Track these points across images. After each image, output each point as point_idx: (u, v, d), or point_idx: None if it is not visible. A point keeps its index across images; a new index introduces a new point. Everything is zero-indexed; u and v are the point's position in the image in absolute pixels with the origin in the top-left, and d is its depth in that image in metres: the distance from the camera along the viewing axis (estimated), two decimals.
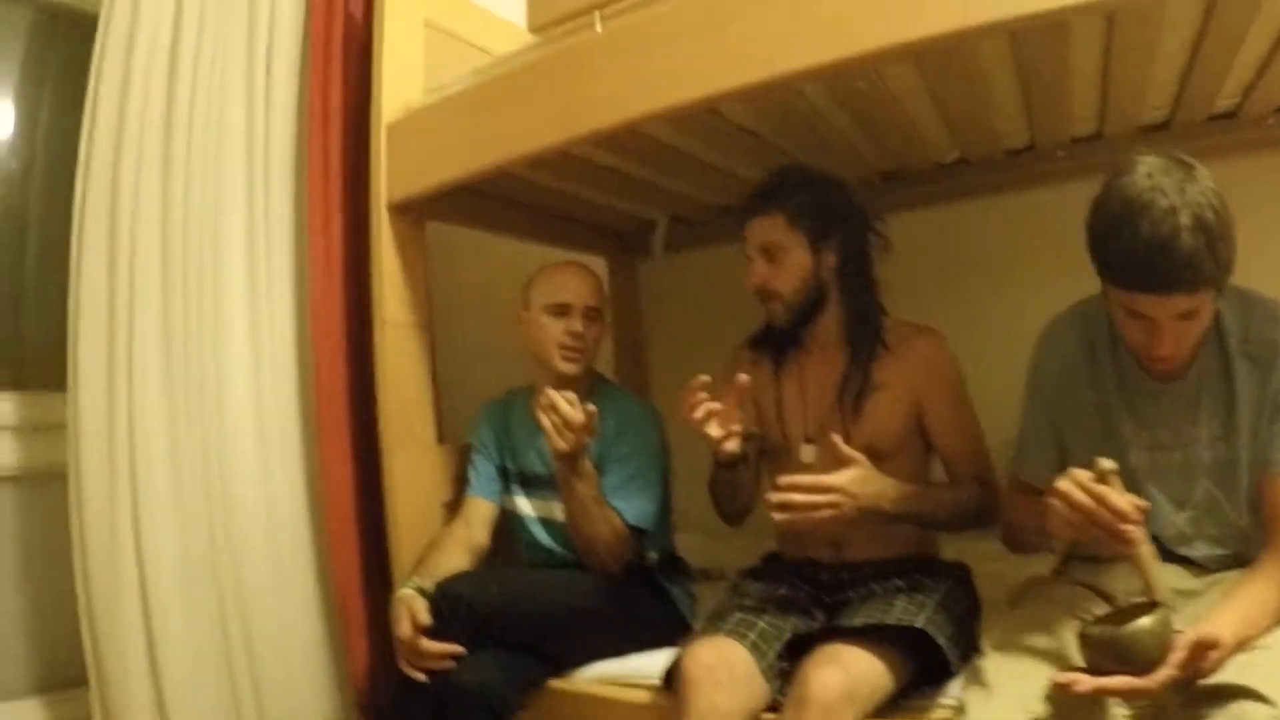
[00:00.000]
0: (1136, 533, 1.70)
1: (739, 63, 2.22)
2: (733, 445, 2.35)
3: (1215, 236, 1.71)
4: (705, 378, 2.30)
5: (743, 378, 2.33)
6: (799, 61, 2.14)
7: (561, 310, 2.84)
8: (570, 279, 2.89)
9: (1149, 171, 1.76)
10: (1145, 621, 1.66)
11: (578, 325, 2.83)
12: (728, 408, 2.33)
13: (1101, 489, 1.72)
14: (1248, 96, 2.80)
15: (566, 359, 2.83)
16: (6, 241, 3.56)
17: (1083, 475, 1.76)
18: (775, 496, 2.21)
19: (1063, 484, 1.77)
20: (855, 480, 2.22)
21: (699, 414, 2.29)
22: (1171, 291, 1.74)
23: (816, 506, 2.19)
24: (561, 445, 2.49)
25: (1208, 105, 2.89)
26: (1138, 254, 1.73)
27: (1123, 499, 1.71)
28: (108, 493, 2.75)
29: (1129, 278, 1.78)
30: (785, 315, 2.55)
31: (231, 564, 2.87)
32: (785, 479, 2.22)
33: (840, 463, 2.24)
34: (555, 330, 2.83)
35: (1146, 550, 1.74)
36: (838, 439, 2.27)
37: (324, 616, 3.02)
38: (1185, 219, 1.69)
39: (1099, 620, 1.82)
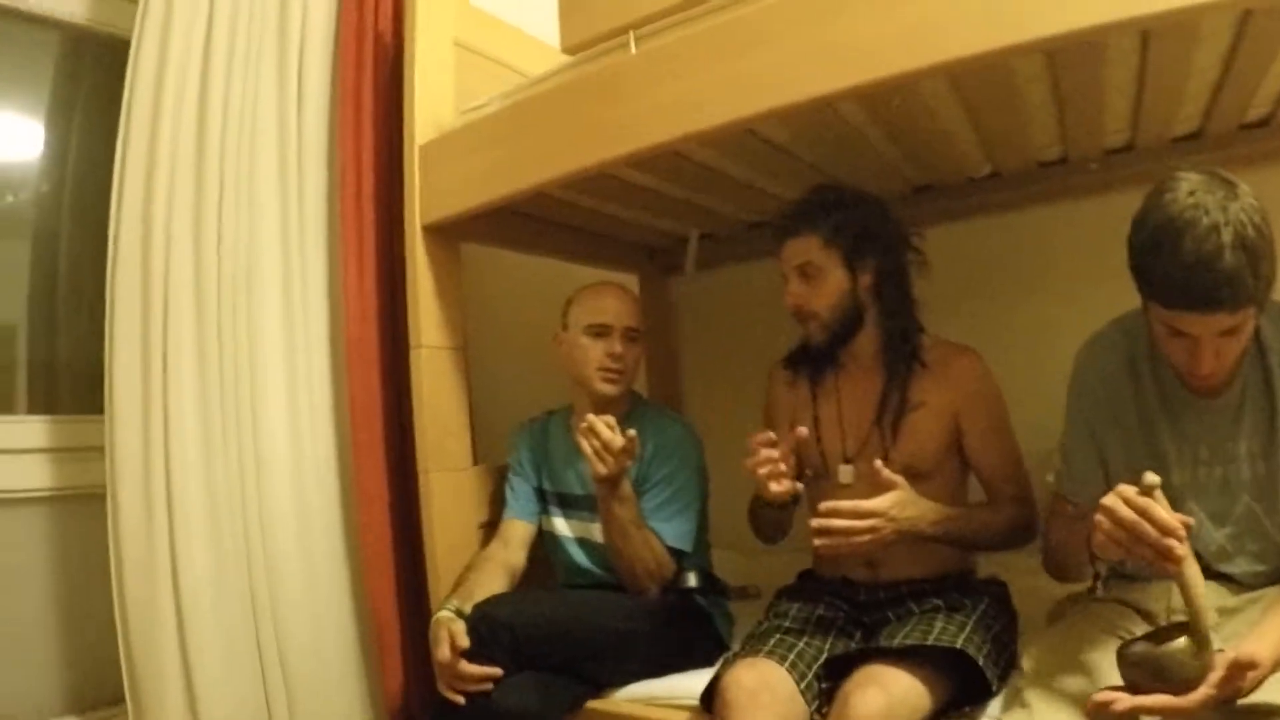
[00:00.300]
0: (1182, 549, 1.69)
1: (774, 83, 2.21)
2: (783, 488, 2.34)
3: (1258, 255, 1.70)
4: (771, 435, 2.31)
5: (802, 430, 2.33)
6: (835, 82, 2.13)
7: (601, 331, 2.84)
8: (610, 300, 2.89)
9: (1191, 189, 1.75)
10: (1184, 641, 1.65)
11: (617, 347, 2.83)
12: (783, 454, 2.33)
13: (1147, 503, 1.71)
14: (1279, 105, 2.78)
15: (607, 380, 2.84)
16: (39, 264, 3.56)
17: (1129, 490, 1.75)
18: (816, 523, 2.22)
19: (1108, 499, 1.76)
20: (895, 504, 2.22)
21: (763, 471, 2.30)
22: (1214, 310, 1.73)
23: (857, 532, 2.19)
24: (602, 470, 2.50)
25: (1240, 114, 2.86)
26: (1180, 273, 1.72)
27: (1169, 514, 1.69)
28: (144, 515, 2.77)
29: (1171, 296, 1.77)
30: (822, 335, 2.55)
31: (267, 585, 2.88)
32: (826, 505, 2.23)
33: (879, 487, 2.24)
34: (595, 352, 2.83)
35: (1192, 570, 1.73)
36: (879, 463, 2.26)
37: (359, 638, 3.02)
38: (1228, 237, 1.68)
39: (1138, 639, 1.81)
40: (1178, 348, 1.88)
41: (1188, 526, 1.70)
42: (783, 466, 2.30)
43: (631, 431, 2.48)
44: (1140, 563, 1.77)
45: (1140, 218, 1.84)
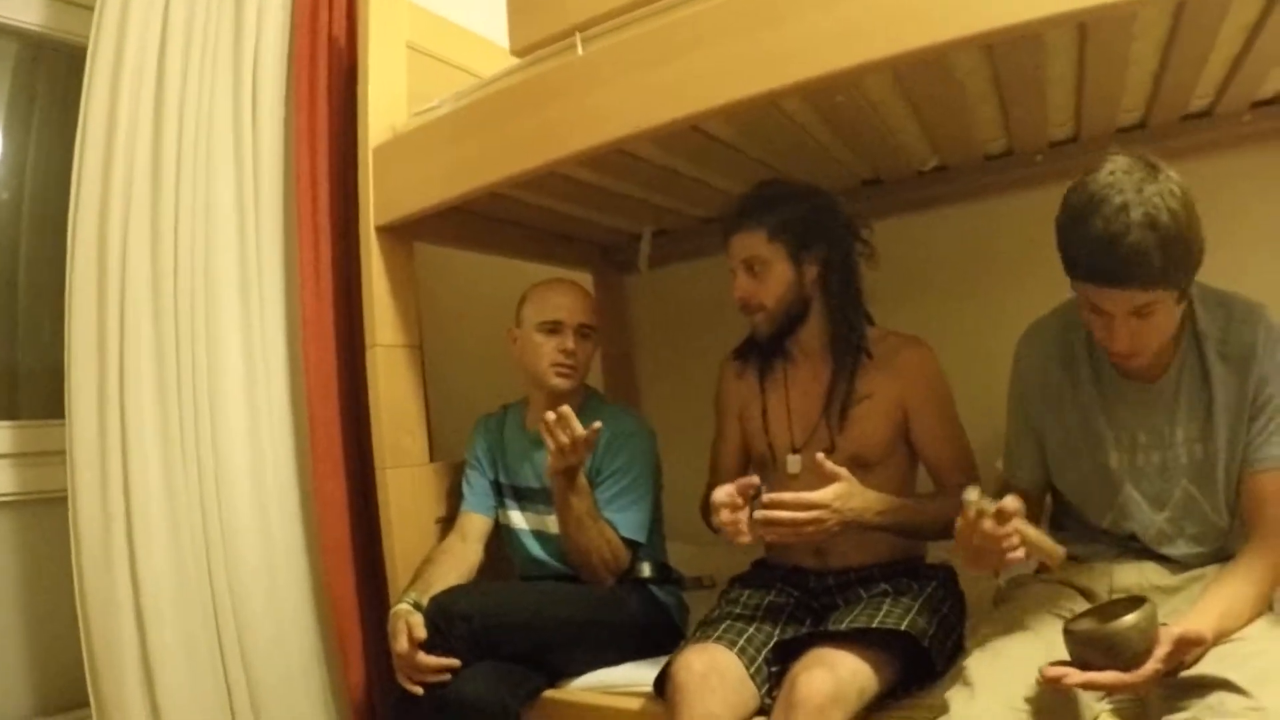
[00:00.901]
0: (1011, 546, 1.85)
1: (718, 82, 2.25)
2: (748, 540, 2.32)
3: (1169, 236, 1.75)
4: (734, 496, 2.27)
5: (754, 480, 2.32)
6: (777, 80, 2.17)
7: (554, 328, 2.87)
8: (562, 297, 2.92)
9: (1112, 170, 1.82)
10: (1132, 618, 1.68)
11: (570, 343, 2.86)
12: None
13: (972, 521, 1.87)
14: (1221, 94, 2.82)
15: (560, 375, 2.87)
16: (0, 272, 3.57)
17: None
18: (760, 514, 2.24)
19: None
20: (839, 496, 2.25)
21: (729, 531, 2.28)
22: (1120, 285, 1.79)
23: (801, 523, 2.22)
24: (562, 464, 2.53)
25: (1182, 105, 2.92)
26: (1089, 247, 1.79)
27: (992, 528, 1.86)
28: (102, 517, 2.77)
29: (1083, 270, 1.84)
30: (768, 327, 2.58)
31: (227, 585, 2.88)
32: (769, 496, 2.25)
33: (825, 478, 2.27)
34: (548, 348, 2.86)
35: (1030, 532, 1.87)
36: (821, 456, 2.30)
37: (320, 634, 3.04)
38: (1136, 215, 1.74)
39: (1083, 615, 1.85)
40: (1098, 324, 1.94)
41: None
42: (744, 525, 2.29)
43: (597, 424, 2.52)
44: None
45: (1065, 196, 1.90)
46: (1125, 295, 1.80)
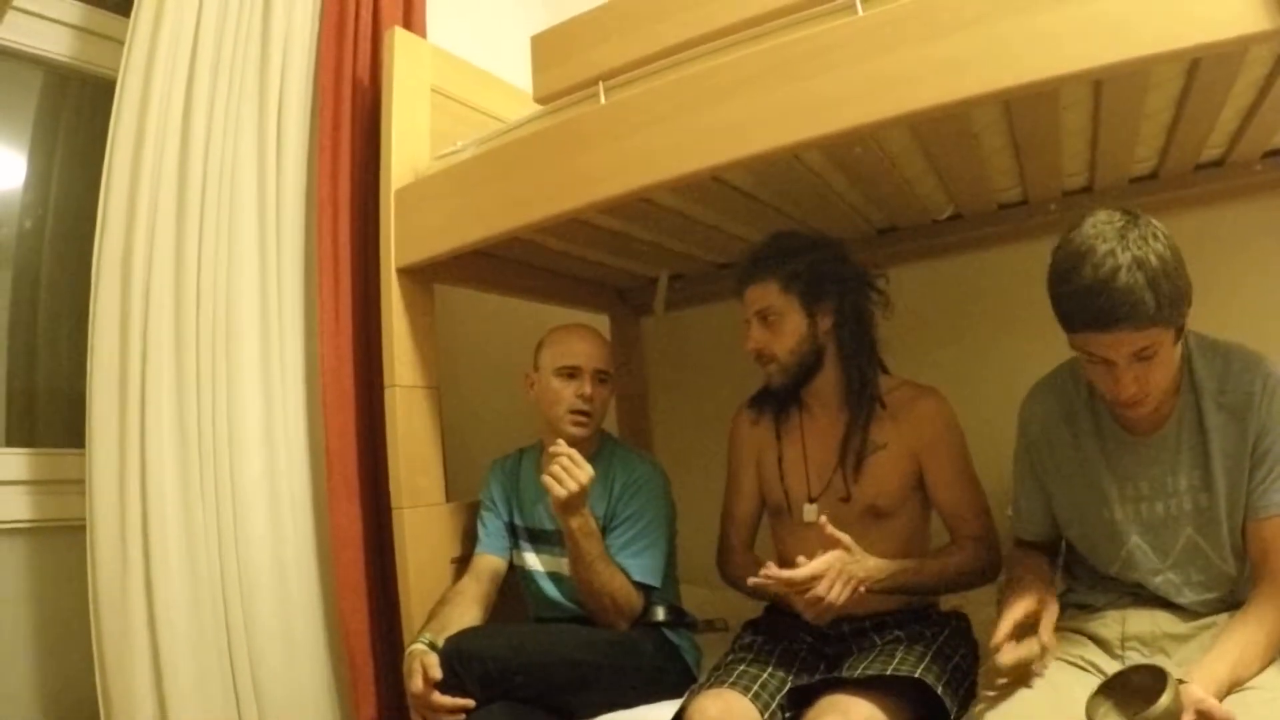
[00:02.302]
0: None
1: (738, 134, 2.27)
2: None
3: (1156, 274, 1.80)
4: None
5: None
6: (797, 133, 2.20)
7: (572, 373, 2.88)
8: (580, 343, 2.94)
9: (1095, 223, 1.88)
10: (1164, 702, 1.67)
11: (587, 388, 2.87)
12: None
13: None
14: (1234, 145, 2.83)
15: (576, 424, 2.87)
16: (20, 299, 3.58)
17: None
18: (751, 581, 2.28)
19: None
20: (839, 561, 2.26)
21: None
22: (1112, 327, 1.82)
23: (822, 597, 2.22)
24: (561, 493, 2.55)
25: (1195, 155, 2.93)
26: (1081, 296, 1.83)
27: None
28: (120, 548, 2.78)
29: (1077, 319, 1.88)
30: (782, 377, 2.61)
31: (241, 617, 2.89)
32: (766, 570, 2.26)
33: (827, 542, 2.28)
34: (565, 393, 2.87)
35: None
36: (824, 519, 2.31)
37: (332, 669, 3.04)
38: (1124, 259, 1.79)
39: (1100, 693, 1.84)
40: (1101, 376, 1.97)
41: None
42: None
43: (590, 471, 2.57)
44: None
45: (1052, 255, 1.95)
46: (1124, 338, 1.84)
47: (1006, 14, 1.93)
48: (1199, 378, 2.05)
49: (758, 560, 2.58)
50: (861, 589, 2.28)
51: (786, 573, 2.22)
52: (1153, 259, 1.80)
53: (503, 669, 2.47)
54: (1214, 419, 2.03)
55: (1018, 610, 2.00)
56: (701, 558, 2.97)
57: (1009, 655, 1.94)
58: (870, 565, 2.32)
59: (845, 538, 2.28)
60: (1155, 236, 1.84)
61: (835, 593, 2.21)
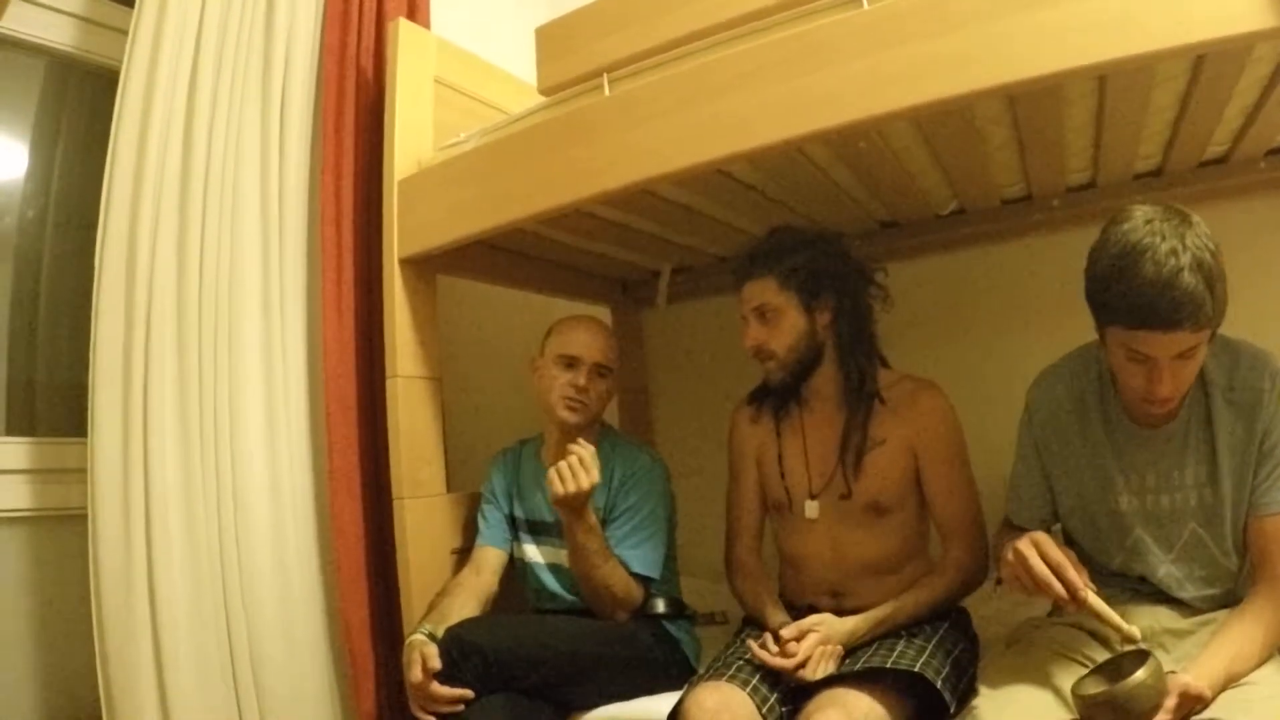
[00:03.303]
0: (1083, 595, 1.84)
1: (742, 127, 2.27)
2: None
3: (1213, 277, 1.79)
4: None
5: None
6: (801, 126, 2.20)
7: (571, 363, 2.89)
8: (583, 334, 2.95)
9: (1148, 218, 1.84)
10: (1139, 675, 1.70)
11: (582, 380, 2.88)
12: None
13: (1059, 559, 1.83)
14: (1238, 142, 2.84)
15: (568, 408, 2.88)
16: (21, 289, 3.58)
17: (1046, 544, 1.87)
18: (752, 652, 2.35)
19: (1023, 546, 1.90)
20: (818, 642, 2.32)
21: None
22: (1176, 329, 1.80)
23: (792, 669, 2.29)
24: (559, 490, 2.56)
25: (1199, 152, 2.93)
26: (1143, 293, 1.79)
27: (1075, 575, 1.84)
28: (123, 534, 2.79)
29: (1134, 317, 1.83)
30: (780, 374, 2.61)
31: (242, 606, 2.90)
32: (754, 651, 2.35)
33: (842, 522, 2.31)
34: (561, 381, 2.88)
35: (1095, 601, 1.83)
36: (787, 633, 2.36)
37: (332, 659, 3.04)
38: (1186, 259, 1.76)
39: (1091, 674, 1.87)
40: (1136, 372, 1.94)
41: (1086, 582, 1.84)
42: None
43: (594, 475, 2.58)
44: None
45: (1098, 247, 1.92)
46: (1175, 339, 1.82)
47: (1011, 9, 1.93)
48: (1209, 374, 2.05)
49: (766, 578, 2.72)
50: (843, 651, 2.36)
51: (776, 661, 2.30)
52: (1208, 258, 1.79)
53: (502, 660, 2.47)
54: (1222, 415, 2.04)
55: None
56: (702, 550, 2.98)
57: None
58: (848, 627, 2.39)
59: (809, 620, 2.39)
60: (1207, 235, 1.83)
61: (821, 670, 2.28)
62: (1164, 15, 1.79)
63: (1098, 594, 1.88)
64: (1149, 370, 1.91)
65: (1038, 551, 1.90)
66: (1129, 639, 1.84)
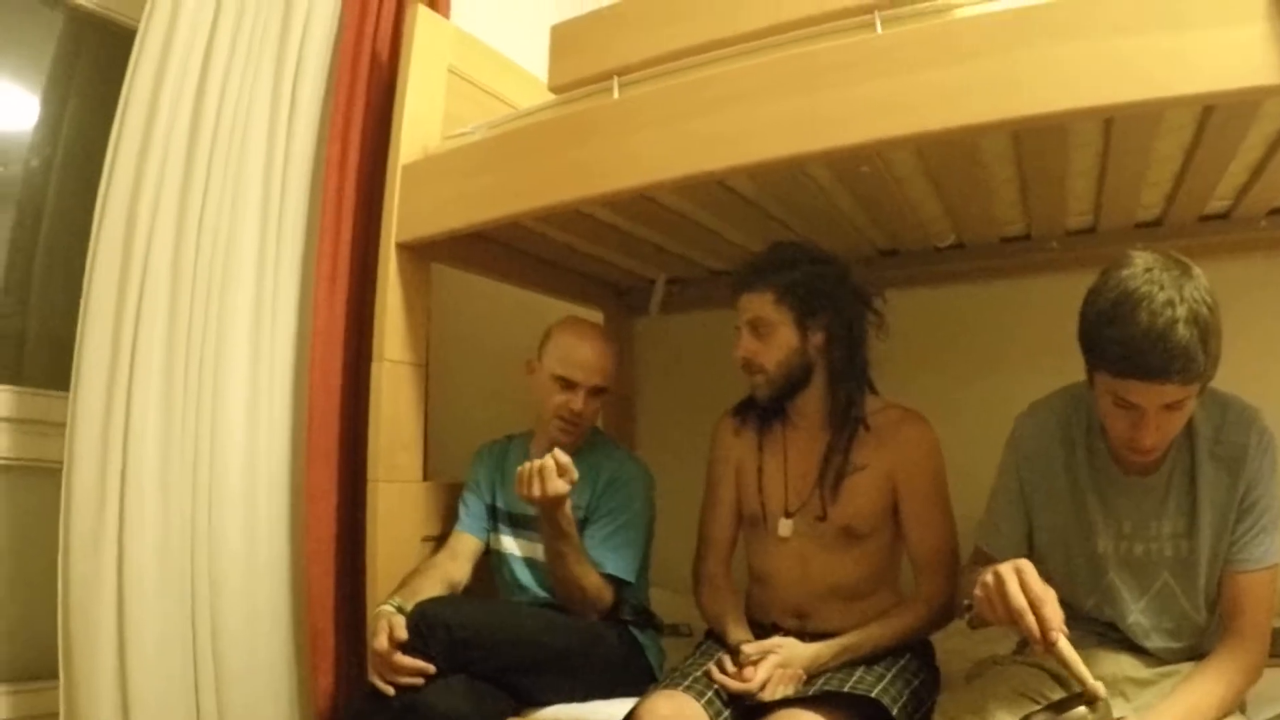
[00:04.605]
0: (1055, 635, 1.76)
1: (749, 140, 2.28)
2: None
3: (1208, 332, 1.78)
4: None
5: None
6: (804, 145, 2.21)
7: (568, 384, 2.87)
8: (585, 353, 2.90)
9: (1148, 266, 1.83)
10: (1082, 710, 1.70)
11: (579, 404, 2.86)
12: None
13: (1040, 594, 1.78)
14: (1240, 199, 2.86)
15: (561, 430, 2.88)
16: (19, 237, 3.59)
17: (1029, 571, 1.82)
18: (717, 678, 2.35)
19: (1005, 573, 1.82)
20: (777, 664, 2.33)
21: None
22: (1165, 381, 1.79)
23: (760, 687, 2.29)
24: (522, 491, 2.57)
25: (1201, 206, 2.95)
26: (1135, 342, 1.78)
27: (1054, 611, 1.77)
28: (97, 493, 2.78)
29: (1124, 366, 1.82)
30: (768, 389, 2.60)
31: (208, 573, 2.89)
32: (713, 674, 2.37)
33: (816, 543, 2.29)
34: (557, 400, 2.87)
35: (1065, 646, 1.79)
36: (746, 652, 2.37)
37: (293, 633, 3.04)
38: (1182, 312, 1.75)
39: (1044, 710, 1.86)
40: (1122, 420, 1.94)
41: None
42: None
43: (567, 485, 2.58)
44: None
45: (1096, 290, 1.91)
46: (1163, 390, 1.81)
47: (1021, 44, 1.95)
48: (1196, 427, 2.04)
49: (733, 593, 2.71)
50: (804, 676, 2.36)
51: (736, 685, 2.30)
52: (1205, 312, 1.78)
53: (468, 640, 2.47)
54: (1206, 469, 2.03)
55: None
56: (674, 562, 2.98)
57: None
58: (811, 653, 2.38)
59: (769, 642, 2.40)
60: (1207, 289, 1.82)
61: (781, 692, 2.28)
62: (1173, 63, 1.80)
63: (1069, 639, 1.82)
64: (1135, 419, 1.90)
65: (1019, 580, 1.80)
66: (1092, 695, 1.82)
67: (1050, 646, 1.76)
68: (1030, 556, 2.24)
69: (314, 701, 2.94)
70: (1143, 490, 2.10)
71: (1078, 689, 1.93)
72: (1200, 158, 2.46)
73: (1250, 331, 2.88)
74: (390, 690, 2.43)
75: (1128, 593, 2.13)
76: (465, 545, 2.99)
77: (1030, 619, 1.76)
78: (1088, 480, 2.17)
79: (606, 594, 2.76)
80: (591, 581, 2.72)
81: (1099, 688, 1.79)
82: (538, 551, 2.88)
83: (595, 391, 2.92)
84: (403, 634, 2.44)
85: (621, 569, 2.78)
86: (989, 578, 1.84)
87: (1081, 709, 1.70)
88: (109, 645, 2.75)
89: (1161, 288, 1.78)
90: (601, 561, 2.76)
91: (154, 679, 2.77)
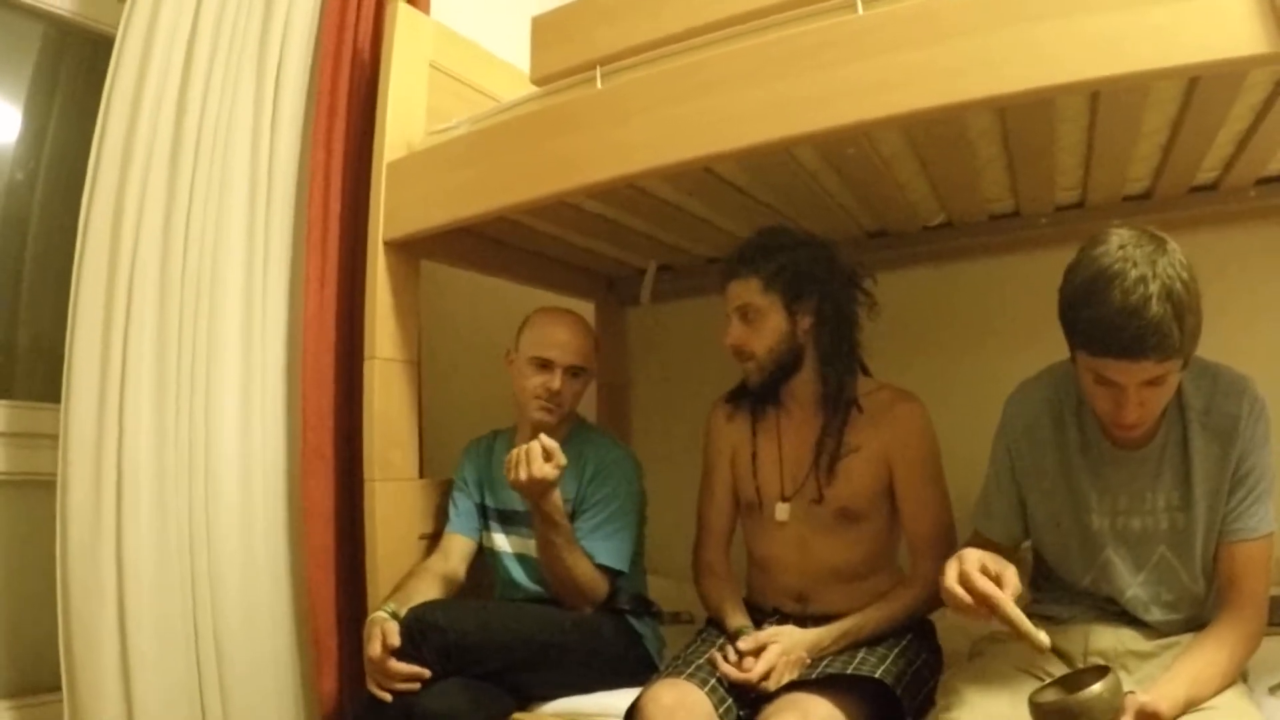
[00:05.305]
0: (997, 603, 1.80)
1: (734, 125, 2.27)
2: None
3: (1183, 307, 1.77)
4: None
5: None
6: (790, 128, 2.20)
7: (545, 365, 2.88)
8: (559, 335, 2.92)
9: (1121, 243, 1.82)
10: (1096, 688, 1.70)
11: (556, 383, 2.87)
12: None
13: (983, 590, 1.81)
14: (1228, 169, 2.85)
15: (541, 409, 2.88)
16: (7, 251, 3.57)
17: (966, 559, 1.86)
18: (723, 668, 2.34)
19: (945, 581, 1.87)
20: (780, 653, 2.31)
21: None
22: (1140, 358, 1.78)
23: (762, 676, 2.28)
24: (511, 475, 2.57)
25: (1189, 178, 2.95)
26: (1108, 320, 1.78)
27: (984, 583, 1.82)
28: (93, 504, 2.77)
29: (1099, 344, 1.82)
30: (759, 375, 2.60)
31: (208, 579, 2.89)
32: (718, 664, 2.35)
33: (813, 531, 2.30)
34: (534, 381, 2.87)
35: (1007, 607, 1.81)
36: (743, 642, 2.37)
37: (295, 635, 3.04)
38: (1155, 288, 1.74)
39: (1048, 686, 1.86)
40: (1104, 397, 1.94)
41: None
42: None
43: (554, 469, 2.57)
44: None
45: (1071, 269, 1.91)
46: (1140, 367, 1.81)
47: (1004, 22, 1.93)
48: (1187, 398, 2.04)
49: (732, 580, 2.72)
50: (807, 660, 2.35)
51: (739, 675, 2.29)
52: (1179, 288, 1.77)
53: (463, 643, 2.47)
54: (1198, 440, 2.03)
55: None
56: (672, 550, 2.98)
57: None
58: (811, 639, 2.38)
59: (767, 632, 2.39)
60: (1182, 264, 1.81)
61: (786, 678, 2.28)
62: (1157, 36, 1.79)
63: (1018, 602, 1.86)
64: (1116, 396, 1.90)
65: (956, 574, 1.86)
66: (1038, 647, 1.82)
67: (994, 611, 1.80)
68: (1026, 536, 2.26)
69: (318, 704, 2.94)
70: (1136, 463, 2.09)
71: (1081, 664, 1.93)
72: (1187, 130, 2.46)
73: (1240, 301, 2.89)
74: (387, 697, 2.43)
75: (1125, 567, 2.12)
76: (457, 546, 2.99)
77: (964, 598, 1.82)
78: (1079, 457, 2.16)
79: (601, 585, 2.76)
80: (584, 571, 2.72)
81: (1044, 639, 1.80)
82: (529, 548, 2.89)
83: (573, 372, 2.92)
84: (395, 640, 2.44)
85: (613, 559, 2.78)
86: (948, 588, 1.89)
87: (1097, 687, 1.69)
88: (111, 655, 2.74)
89: (1134, 265, 1.77)
90: (593, 552, 2.76)
91: (157, 686, 2.77)
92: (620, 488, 2.88)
